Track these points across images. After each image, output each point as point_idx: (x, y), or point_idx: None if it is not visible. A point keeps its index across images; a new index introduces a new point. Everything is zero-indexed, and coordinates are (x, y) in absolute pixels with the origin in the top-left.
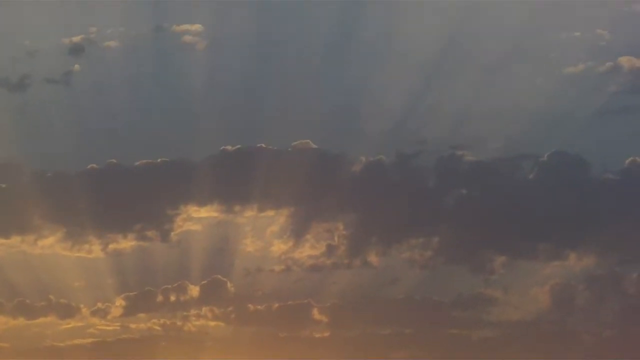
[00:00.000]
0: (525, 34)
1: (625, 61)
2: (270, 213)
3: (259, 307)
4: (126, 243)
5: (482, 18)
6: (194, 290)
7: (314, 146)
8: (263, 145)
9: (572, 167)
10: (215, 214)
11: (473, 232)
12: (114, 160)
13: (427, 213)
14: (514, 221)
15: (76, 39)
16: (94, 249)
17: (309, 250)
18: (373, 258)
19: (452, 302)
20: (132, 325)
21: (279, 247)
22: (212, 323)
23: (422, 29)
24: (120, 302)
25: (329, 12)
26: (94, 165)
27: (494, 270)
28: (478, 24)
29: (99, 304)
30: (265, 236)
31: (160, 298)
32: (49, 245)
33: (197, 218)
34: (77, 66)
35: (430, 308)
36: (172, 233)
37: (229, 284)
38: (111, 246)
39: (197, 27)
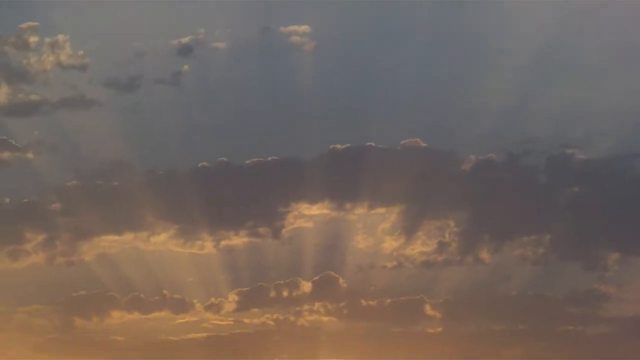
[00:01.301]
0: (636, 31)
1: None
2: (381, 210)
3: (371, 302)
4: (238, 239)
5: (592, 15)
6: (306, 286)
7: (423, 144)
8: (372, 143)
9: None
10: (326, 212)
11: (586, 229)
12: (225, 159)
13: (538, 211)
14: (627, 218)
15: (185, 40)
16: (206, 245)
17: (421, 247)
18: (485, 255)
19: (565, 298)
20: (246, 320)
21: (390, 244)
22: (325, 318)
23: (531, 26)
24: (233, 297)
25: (433, 11)
26: (205, 163)
27: (607, 267)
28: (588, 21)
29: (213, 299)
30: (377, 233)
31: (273, 293)
32: (161, 242)
33: (308, 215)
34: (186, 67)
35: (543, 304)
36: (284, 230)
37: (341, 280)
38: (223, 242)
39: (304, 28)
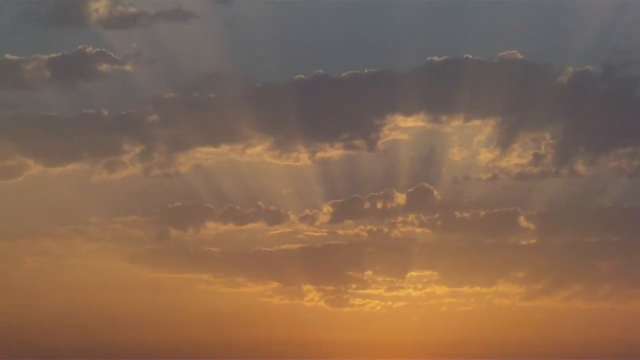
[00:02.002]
0: None
1: None
2: (477, 123)
3: (465, 214)
4: (333, 152)
5: None
6: (400, 198)
7: (520, 57)
8: (469, 56)
9: None
10: (421, 124)
11: None
12: (321, 71)
13: (635, 123)
14: None
15: None
16: (301, 157)
17: (516, 159)
18: (580, 167)
19: None
20: (340, 232)
21: (485, 155)
22: (419, 230)
23: None
24: (327, 208)
25: None
26: (301, 75)
27: None
28: None
29: (307, 211)
30: (472, 145)
31: (367, 205)
32: (257, 154)
33: (403, 128)
34: None
35: (638, 216)
36: (379, 142)
37: (435, 192)
38: (318, 154)
39: None
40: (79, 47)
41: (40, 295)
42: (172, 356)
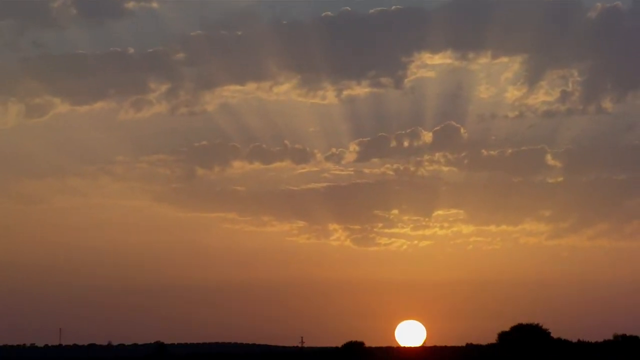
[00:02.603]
0: None
1: None
2: (504, 60)
3: (492, 152)
4: (360, 90)
5: None
6: (427, 136)
7: None
8: None
9: None
10: (449, 61)
11: None
12: (348, 8)
13: None
14: None
15: None
16: (328, 95)
17: (543, 97)
18: (608, 104)
19: None
20: (366, 170)
21: (513, 93)
22: (445, 168)
23: None
24: (354, 147)
25: None
26: (329, 12)
27: None
28: None
29: (333, 149)
30: (499, 83)
31: (393, 143)
32: (284, 92)
33: (430, 65)
34: None
35: None
36: (406, 80)
37: (462, 130)
38: (345, 92)
39: None
40: None
41: (68, 233)
42: (197, 292)
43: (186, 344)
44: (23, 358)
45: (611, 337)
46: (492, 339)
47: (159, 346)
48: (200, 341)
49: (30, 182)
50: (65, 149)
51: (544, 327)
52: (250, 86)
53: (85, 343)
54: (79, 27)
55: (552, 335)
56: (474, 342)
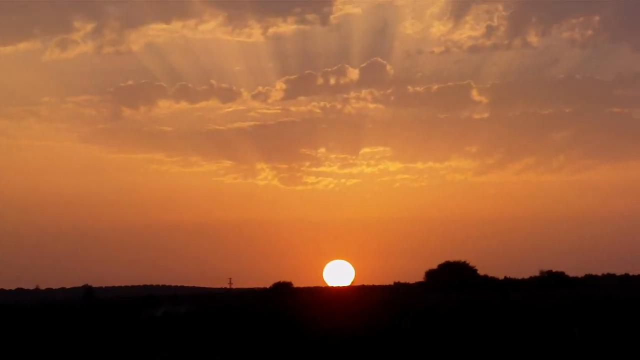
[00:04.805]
0: None
1: None
2: None
3: (418, 89)
4: (286, 27)
5: None
6: (354, 73)
7: None
8: None
9: None
10: None
11: (634, 10)
12: None
13: None
14: None
15: None
16: (253, 33)
17: (469, 32)
18: (533, 38)
19: (613, 81)
20: (293, 109)
21: (438, 28)
22: (372, 105)
23: None
24: (280, 85)
25: None
26: None
27: None
28: None
29: (260, 88)
30: (425, 18)
31: (320, 81)
32: (209, 30)
33: (356, 1)
34: None
35: (591, 87)
36: (332, 16)
37: (388, 67)
38: (271, 30)
39: None
40: None
41: None
42: (125, 235)
43: (114, 287)
44: None
45: (537, 274)
46: (420, 277)
47: (87, 289)
48: (129, 284)
49: None
50: None
51: (471, 264)
52: (176, 24)
53: (13, 287)
54: None
55: (479, 272)
56: (402, 281)
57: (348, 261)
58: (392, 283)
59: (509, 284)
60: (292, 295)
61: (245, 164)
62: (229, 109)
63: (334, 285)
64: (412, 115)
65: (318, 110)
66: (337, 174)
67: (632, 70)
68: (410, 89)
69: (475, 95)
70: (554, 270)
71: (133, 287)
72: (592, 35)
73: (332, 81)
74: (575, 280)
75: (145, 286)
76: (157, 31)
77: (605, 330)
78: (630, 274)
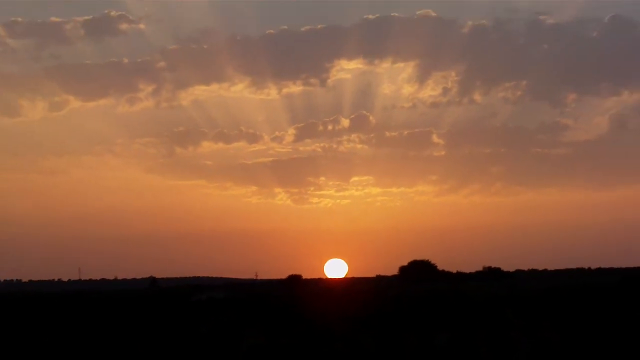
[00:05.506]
0: None
1: None
2: (401, 65)
3: (393, 133)
4: (295, 88)
5: None
6: (345, 122)
7: (434, 14)
8: (395, 14)
9: (626, 27)
10: (360, 66)
11: (552, 76)
12: (285, 27)
13: (518, 63)
14: (582, 68)
15: None
16: (271, 92)
17: (430, 92)
18: (477, 97)
19: (536, 128)
20: (301, 148)
21: (407, 89)
22: (359, 146)
23: None
24: (292, 131)
25: None
26: (271, 30)
27: (567, 104)
28: None
29: (277, 133)
30: (398, 81)
31: (320, 128)
32: (239, 90)
33: (347, 69)
34: None
35: (519, 133)
36: (329, 80)
37: (371, 117)
38: (284, 90)
39: None
40: (105, 11)
41: (83, 198)
42: (179, 240)
43: (172, 277)
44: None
45: (481, 268)
46: (395, 271)
47: (152, 280)
48: (183, 275)
49: (53, 158)
50: (79, 134)
51: (432, 262)
52: (214, 86)
53: (98, 277)
54: (86, 43)
55: (438, 268)
56: (382, 274)
57: (343, 259)
58: (374, 275)
59: (460, 277)
60: (302, 285)
61: (266, 188)
62: (254, 149)
63: (333, 277)
64: (388, 153)
65: (319, 150)
66: (333, 196)
67: (550, 121)
68: (387, 133)
69: (435, 138)
70: (492, 266)
71: (186, 278)
72: (521, 95)
73: (330, 128)
74: (508, 273)
75: (194, 277)
76: (200, 91)
77: (530, 311)
78: (549, 269)
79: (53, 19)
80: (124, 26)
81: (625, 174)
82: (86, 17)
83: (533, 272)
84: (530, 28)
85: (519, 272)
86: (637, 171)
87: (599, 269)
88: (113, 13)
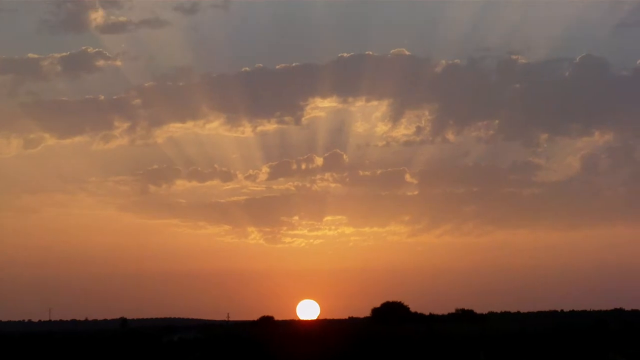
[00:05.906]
0: None
1: None
2: (375, 103)
3: (366, 172)
4: (270, 126)
5: None
6: (319, 161)
7: (407, 53)
8: (370, 52)
9: (597, 67)
10: (334, 104)
11: (524, 116)
12: (260, 65)
13: (490, 102)
14: (555, 108)
15: None
16: (246, 130)
17: (404, 130)
18: (450, 136)
19: (508, 168)
20: (275, 187)
21: (381, 128)
22: (332, 185)
23: None
24: (265, 169)
25: None
26: (246, 68)
27: (539, 144)
28: None
29: (250, 171)
30: (371, 120)
31: (294, 166)
32: (214, 128)
33: (321, 107)
34: None
35: (492, 173)
36: (303, 118)
37: (344, 156)
38: (259, 128)
39: None
40: (82, 47)
41: (54, 237)
42: (150, 279)
43: (142, 318)
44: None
45: (454, 310)
46: (367, 312)
47: (123, 320)
48: (153, 316)
49: (26, 196)
50: (53, 172)
51: (405, 303)
52: (189, 124)
53: (69, 318)
54: (62, 79)
55: (410, 309)
56: (354, 316)
57: (315, 300)
58: (347, 317)
59: (433, 318)
60: (274, 326)
61: (239, 227)
62: (228, 187)
63: (305, 318)
64: (362, 192)
65: (293, 188)
66: (307, 236)
67: (521, 161)
68: (360, 172)
69: (408, 177)
70: (465, 307)
71: (157, 319)
72: (493, 134)
73: (303, 167)
74: (481, 315)
75: (165, 318)
76: (176, 128)
77: (503, 353)
78: (522, 311)
79: (31, 54)
80: (100, 63)
81: (595, 215)
82: (63, 54)
83: (506, 314)
84: (503, 67)
85: (491, 314)
86: (607, 213)
87: (572, 312)
88: (90, 49)
